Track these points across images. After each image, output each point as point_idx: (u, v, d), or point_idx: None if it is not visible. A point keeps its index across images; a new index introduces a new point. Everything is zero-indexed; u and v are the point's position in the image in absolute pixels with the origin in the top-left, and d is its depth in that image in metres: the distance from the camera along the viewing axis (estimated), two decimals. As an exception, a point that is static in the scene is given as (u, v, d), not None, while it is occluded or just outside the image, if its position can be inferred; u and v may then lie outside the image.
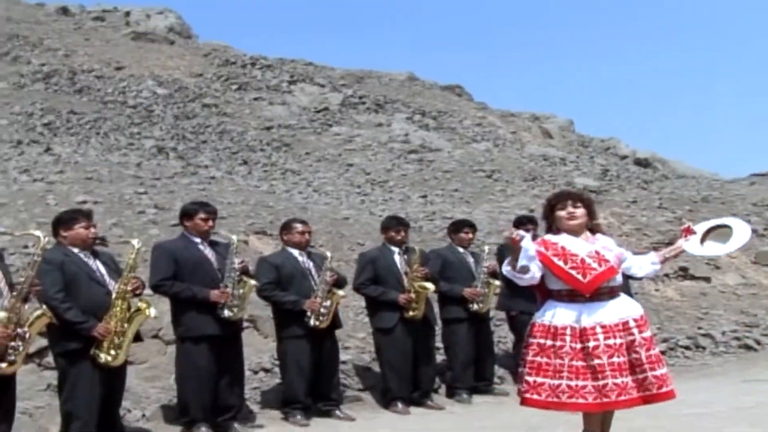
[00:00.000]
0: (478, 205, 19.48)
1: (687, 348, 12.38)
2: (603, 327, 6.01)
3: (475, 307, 9.66)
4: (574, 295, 6.11)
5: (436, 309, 9.72)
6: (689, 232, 6.39)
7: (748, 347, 12.80)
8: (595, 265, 6.09)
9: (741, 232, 6.45)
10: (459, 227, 10.17)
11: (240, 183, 19.35)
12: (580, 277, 6.05)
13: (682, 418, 7.85)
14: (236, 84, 29.17)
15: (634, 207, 19.31)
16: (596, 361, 5.94)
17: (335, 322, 8.63)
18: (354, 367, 9.64)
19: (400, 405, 8.89)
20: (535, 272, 6.04)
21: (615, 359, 5.95)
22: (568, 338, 6.03)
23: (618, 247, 6.38)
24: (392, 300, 8.94)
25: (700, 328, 13.29)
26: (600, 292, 6.09)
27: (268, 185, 19.67)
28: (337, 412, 8.54)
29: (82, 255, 6.96)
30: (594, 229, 6.51)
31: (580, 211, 6.26)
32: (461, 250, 9.98)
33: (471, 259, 9.91)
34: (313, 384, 8.45)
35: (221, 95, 27.91)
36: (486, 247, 10.32)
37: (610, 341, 5.97)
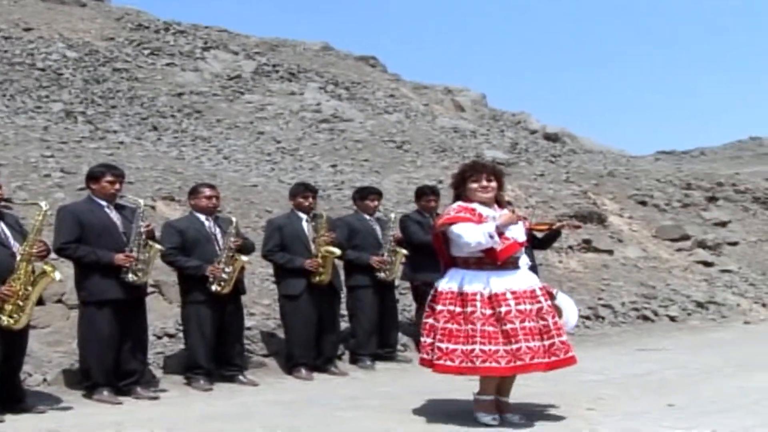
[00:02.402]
0: (387, 175, 19.58)
1: (587, 318, 12.70)
2: (513, 293, 6.23)
3: (382, 275, 9.77)
4: (482, 263, 6.29)
5: (342, 276, 9.83)
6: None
7: (645, 318, 13.23)
8: (509, 234, 6.32)
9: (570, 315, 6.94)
10: (364, 194, 10.22)
11: (149, 149, 19.16)
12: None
13: (580, 384, 8.09)
14: (148, 49, 28.75)
15: (541, 180, 19.61)
16: (509, 326, 6.14)
17: (239, 288, 8.66)
18: (259, 333, 9.69)
19: (303, 371, 8.98)
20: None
21: (527, 324, 6.17)
22: (478, 304, 6.21)
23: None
24: (299, 267, 9.00)
25: (600, 299, 13.65)
26: (508, 261, 6.32)
27: (177, 152, 19.50)
28: (241, 378, 8.58)
29: (-15, 216, 6.88)
30: (500, 202, 6.68)
31: (493, 184, 6.47)
32: (367, 217, 10.05)
33: (377, 227, 9.99)
34: (216, 349, 8.47)
35: (133, 60, 27.49)
36: (392, 215, 10.37)
37: (521, 306, 6.20)
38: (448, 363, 6.27)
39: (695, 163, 23.53)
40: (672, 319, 13.49)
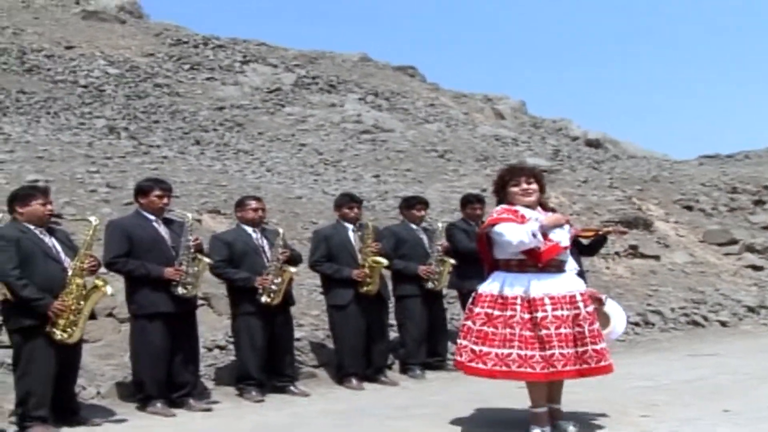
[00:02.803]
0: (430, 185, 19.58)
1: (636, 324, 12.59)
2: (551, 298, 6.13)
3: (430, 285, 9.75)
4: (524, 266, 6.23)
5: (390, 286, 9.81)
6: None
7: (695, 323, 13.08)
8: (552, 237, 6.23)
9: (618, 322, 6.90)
10: (411, 204, 10.20)
11: (192, 163, 19.27)
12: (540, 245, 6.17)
13: (627, 391, 8.01)
14: (188, 64, 29.00)
15: (585, 186, 19.49)
16: (544, 332, 6.07)
17: (288, 299, 8.69)
18: (309, 343, 9.70)
19: (354, 381, 8.99)
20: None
21: (562, 330, 6.08)
22: (518, 308, 6.14)
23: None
24: (347, 277, 9.03)
25: (649, 305, 13.54)
26: (551, 265, 6.21)
27: (221, 165, 19.60)
28: (292, 388, 8.60)
29: (37, 232, 6.97)
30: (544, 205, 6.63)
31: (534, 187, 6.39)
32: (414, 227, 10.03)
33: (424, 236, 9.97)
34: (267, 360, 8.51)
35: (173, 75, 27.74)
36: (439, 224, 10.34)
37: (558, 312, 6.10)
38: (480, 366, 6.24)
39: (740, 166, 23.20)
40: (723, 324, 13.31)
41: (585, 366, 6.15)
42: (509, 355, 6.13)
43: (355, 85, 30.01)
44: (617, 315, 6.91)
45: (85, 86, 25.01)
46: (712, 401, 7.62)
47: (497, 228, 6.25)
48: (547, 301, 6.13)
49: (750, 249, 17.44)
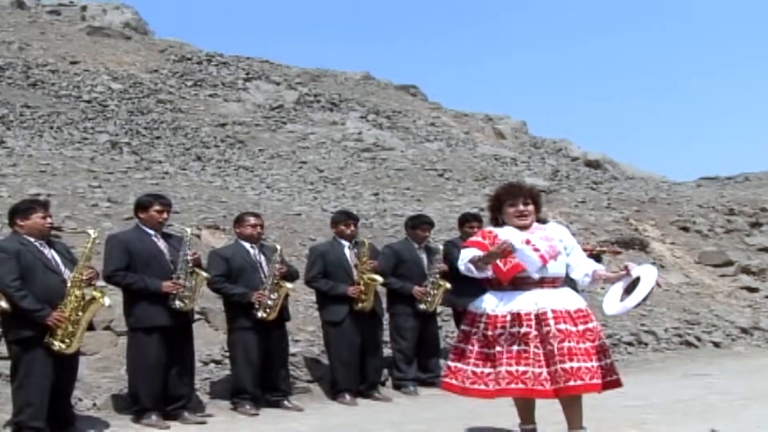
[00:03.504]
0: (429, 203, 19.70)
1: (630, 344, 12.67)
2: (513, 315, 6.07)
3: (422, 306, 9.80)
4: (500, 283, 6.17)
5: (385, 303, 9.91)
6: (626, 270, 6.33)
7: (689, 344, 13.15)
8: (518, 255, 6.09)
9: (647, 279, 6.36)
10: (416, 224, 10.25)
11: (193, 178, 19.42)
12: (501, 265, 6.08)
13: (618, 410, 8.07)
14: (191, 80, 29.22)
15: (582, 206, 19.60)
16: (496, 349, 6.04)
17: (284, 315, 8.76)
18: (303, 359, 9.77)
19: (347, 396, 9.06)
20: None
21: (514, 347, 6.01)
22: (481, 325, 6.17)
23: (565, 239, 6.40)
24: (342, 293, 9.10)
25: (643, 324, 13.60)
26: (524, 282, 6.14)
27: (221, 181, 19.75)
28: (286, 403, 8.66)
29: (37, 244, 7.06)
30: (542, 221, 6.63)
31: (530, 209, 6.33)
32: (416, 245, 10.09)
33: (424, 255, 9.98)
34: (262, 375, 8.58)
35: (176, 91, 27.94)
36: (441, 247, 10.30)
37: (515, 329, 6.03)
38: (453, 382, 6.25)
39: (739, 188, 23.32)
40: (716, 345, 13.39)
41: (557, 385, 5.95)
42: (465, 371, 6.18)
43: (357, 103, 30.21)
44: (647, 275, 6.44)
45: (88, 101, 25.21)
46: (702, 421, 7.67)
47: (462, 252, 6.28)
48: (508, 317, 6.07)
49: (745, 271, 17.56)
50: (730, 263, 17.72)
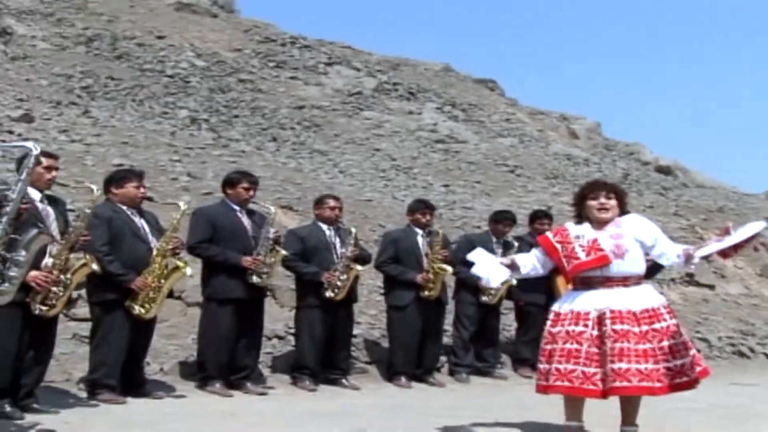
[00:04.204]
0: (498, 198, 19.84)
1: (681, 350, 12.73)
2: (574, 313, 6.15)
3: (485, 298, 10.06)
4: (574, 282, 6.32)
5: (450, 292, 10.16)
6: (726, 232, 6.00)
7: (741, 354, 13.14)
8: (581, 253, 6.17)
9: (749, 228, 6.03)
10: (499, 219, 10.53)
11: (269, 159, 19.73)
12: (565, 263, 6.23)
13: (664, 412, 8.25)
14: (274, 62, 29.40)
15: (650, 212, 19.56)
16: (553, 345, 6.19)
17: (352, 296, 9.05)
18: (363, 341, 10.06)
19: (403, 379, 9.34)
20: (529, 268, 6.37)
21: (567, 345, 6.10)
22: (549, 322, 6.31)
23: (643, 232, 6.29)
24: (410, 280, 9.34)
25: (698, 332, 13.60)
26: (591, 281, 6.18)
27: (295, 163, 20.03)
28: (344, 381, 8.99)
29: (129, 212, 7.46)
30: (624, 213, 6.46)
31: (612, 203, 6.26)
32: (494, 239, 10.30)
33: (500, 250, 10.02)
34: (324, 353, 8.90)
35: (258, 72, 28.18)
36: (516, 243, 10.27)
37: (571, 328, 6.11)
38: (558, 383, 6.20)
39: (809, 204, 23.21)
40: (768, 357, 13.45)
41: (607, 386, 5.98)
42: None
43: (434, 94, 30.23)
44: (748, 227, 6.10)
45: (171, 76, 25.56)
46: (746, 426, 7.87)
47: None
48: (569, 315, 6.15)
49: (808, 286, 17.51)
50: (793, 278, 17.68)
